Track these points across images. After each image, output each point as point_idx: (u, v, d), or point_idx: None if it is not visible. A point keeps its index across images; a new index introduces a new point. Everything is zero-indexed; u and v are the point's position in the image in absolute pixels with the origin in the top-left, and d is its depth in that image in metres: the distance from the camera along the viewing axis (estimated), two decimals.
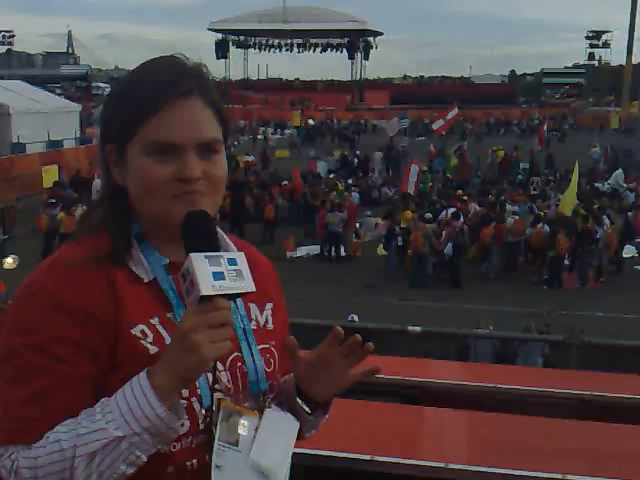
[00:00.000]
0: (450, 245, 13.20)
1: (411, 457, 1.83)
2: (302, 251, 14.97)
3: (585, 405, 2.32)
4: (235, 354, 1.05)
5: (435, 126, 25.63)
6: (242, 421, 1.01)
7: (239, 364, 1.06)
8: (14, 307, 0.98)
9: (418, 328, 4.89)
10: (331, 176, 20.67)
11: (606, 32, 65.61)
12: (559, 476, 1.72)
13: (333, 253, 14.68)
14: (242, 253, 0.97)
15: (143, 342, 0.98)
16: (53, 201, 14.70)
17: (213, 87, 1.04)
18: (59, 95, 33.30)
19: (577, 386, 2.46)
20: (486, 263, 13.51)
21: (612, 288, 12.50)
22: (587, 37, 66.16)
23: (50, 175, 18.37)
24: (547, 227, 13.37)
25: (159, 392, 0.89)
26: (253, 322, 1.11)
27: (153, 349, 0.97)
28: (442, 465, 1.78)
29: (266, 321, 1.14)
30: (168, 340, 0.98)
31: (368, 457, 1.79)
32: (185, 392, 0.96)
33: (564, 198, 14.46)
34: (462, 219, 13.79)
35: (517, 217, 14.19)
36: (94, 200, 1.12)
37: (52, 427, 0.90)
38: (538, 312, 9.70)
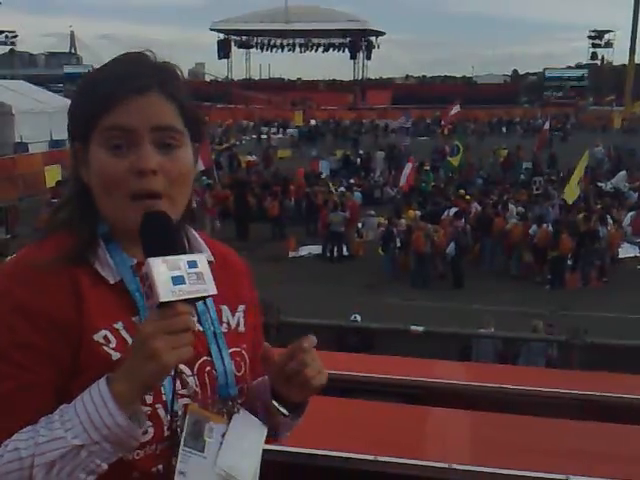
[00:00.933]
0: (452, 245, 13.20)
1: (414, 457, 1.83)
2: (304, 250, 14.97)
3: (589, 405, 2.31)
4: (204, 358, 1.03)
5: (444, 122, 25.98)
6: (209, 426, 0.99)
7: (208, 368, 1.03)
8: None
9: (421, 328, 4.88)
10: (324, 175, 20.69)
11: (608, 32, 65.50)
12: (563, 477, 1.71)
13: (335, 253, 14.68)
14: (203, 255, 0.94)
15: (105, 348, 0.95)
16: (55, 201, 14.71)
17: (177, 84, 1.02)
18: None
19: (580, 386, 2.45)
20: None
21: (615, 288, 12.48)
22: (589, 37, 66.01)
23: (53, 175, 18.38)
24: (551, 227, 13.37)
25: (119, 400, 0.87)
26: (224, 325, 1.09)
27: (116, 355, 0.95)
28: (445, 466, 1.77)
29: (237, 324, 1.12)
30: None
31: (371, 457, 1.79)
32: (149, 398, 0.94)
33: (568, 186, 14.51)
34: (464, 219, 13.79)
35: (515, 221, 14.14)
36: (61, 199, 1.08)
37: (11, 435, 0.88)
38: (541, 312, 9.69)
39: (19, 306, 0.92)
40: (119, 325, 0.97)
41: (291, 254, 14.20)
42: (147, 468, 0.96)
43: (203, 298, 0.90)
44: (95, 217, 1.01)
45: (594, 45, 65.53)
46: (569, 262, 13.40)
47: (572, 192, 14.32)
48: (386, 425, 2.06)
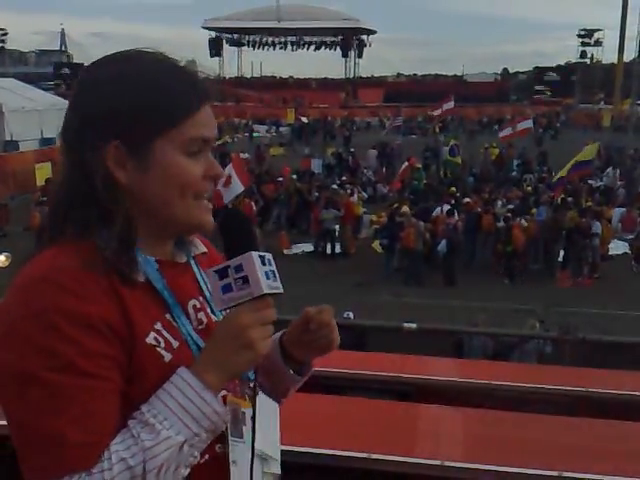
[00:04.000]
0: (444, 242, 13.23)
1: (407, 455, 1.83)
2: (297, 248, 14.96)
3: (581, 401, 2.32)
4: None
5: (436, 112, 26.14)
6: (242, 413, 1.03)
7: None
8: (15, 323, 0.88)
9: (414, 325, 4.88)
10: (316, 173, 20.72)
11: (598, 30, 65.79)
12: (555, 473, 1.72)
13: (328, 250, 14.68)
14: (270, 254, 0.98)
15: (159, 349, 0.95)
16: (46, 199, 14.64)
17: None
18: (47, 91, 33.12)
19: (572, 383, 2.46)
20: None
21: (605, 285, 12.55)
22: (579, 35, 66.27)
23: (43, 173, 18.26)
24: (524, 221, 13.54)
25: (213, 389, 0.90)
26: None
27: (168, 356, 0.95)
28: (438, 463, 1.77)
29: None
30: (175, 344, 0.96)
31: (364, 455, 1.79)
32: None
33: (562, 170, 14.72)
34: (456, 216, 13.84)
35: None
36: (75, 199, 0.97)
37: (105, 446, 0.86)
38: (532, 309, 9.73)
39: (74, 315, 0.87)
40: (159, 325, 0.97)
41: (285, 252, 14.18)
42: (197, 460, 0.97)
43: (277, 295, 0.95)
44: (131, 221, 0.97)
45: (583, 44, 65.79)
46: (560, 259, 13.51)
47: (562, 172, 14.57)
48: (379, 422, 2.06)
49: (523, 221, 13.56)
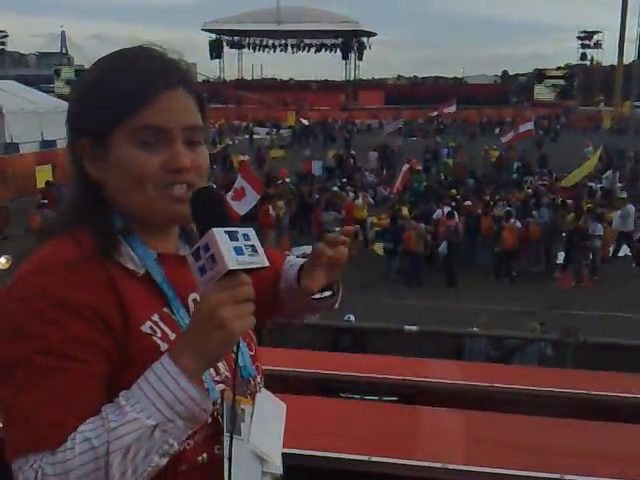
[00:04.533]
0: (445, 244, 13.24)
1: (409, 457, 1.82)
2: (298, 251, 14.96)
3: (582, 404, 2.31)
4: None
5: (439, 112, 26.37)
6: (241, 409, 1.02)
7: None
8: (8, 314, 0.91)
9: (415, 327, 4.88)
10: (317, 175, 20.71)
11: (597, 32, 65.88)
12: (557, 476, 1.71)
13: None
14: (252, 228, 0.95)
15: (154, 338, 0.96)
16: (45, 201, 14.63)
17: (196, 80, 1.07)
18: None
19: (574, 385, 2.45)
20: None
21: (606, 287, 12.54)
22: (579, 37, 66.37)
23: (43, 175, 18.28)
24: (519, 223, 13.59)
25: (189, 374, 0.87)
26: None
27: (164, 345, 0.96)
28: (439, 465, 1.76)
29: None
30: (172, 335, 0.97)
31: (365, 457, 1.78)
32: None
33: (573, 174, 14.75)
34: (457, 218, 13.85)
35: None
36: (66, 198, 1.05)
37: (75, 428, 0.86)
38: (533, 311, 9.72)
39: (61, 302, 0.90)
40: (155, 317, 0.97)
41: (286, 254, 14.19)
42: (194, 458, 0.97)
43: (258, 269, 0.91)
44: (109, 212, 1.01)
45: (583, 46, 65.92)
46: (560, 261, 13.52)
47: (573, 178, 14.59)
48: (380, 425, 2.05)
49: (518, 223, 13.60)
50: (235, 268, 0.87)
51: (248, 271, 0.90)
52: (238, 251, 0.89)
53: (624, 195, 15.34)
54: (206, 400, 0.90)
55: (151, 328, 0.96)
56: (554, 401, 2.34)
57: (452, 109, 25.32)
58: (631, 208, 14.52)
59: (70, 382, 0.88)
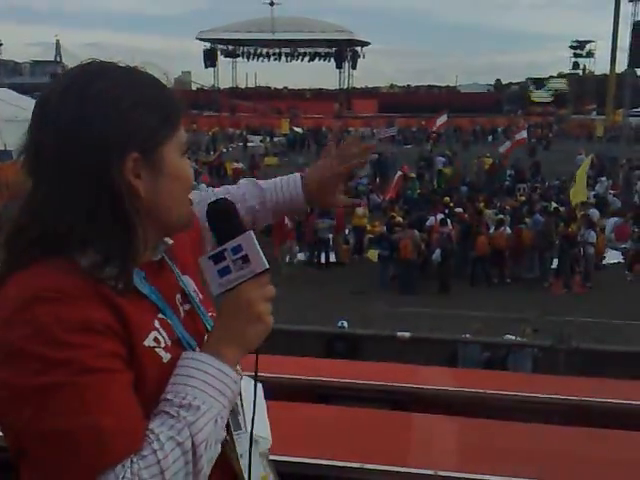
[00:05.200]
0: (438, 251, 13.28)
1: (401, 465, 1.82)
2: (293, 257, 14.94)
3: (574, 410, 2.32)
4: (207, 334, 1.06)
5: (434, 127, 26.40)
6: (236, 404, 1.04)
7: None
8: (22, 351, 0.86)
9: (407, 334, 4.88)
10: None
11: (590, 42, 66.28)
12: None
13: (322, 259, 14.67)
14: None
15: (158, 350, 0.96)
16: None
17: None
18: None
19: (566, 391, 2.46)
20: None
21: (599, 293, 12.59)
22: (571, 47, 66.75)
23: None
24: (509, 229, 13.76)
25: (231, 363, 0.95)
26: (194, 293, 1.13)
27: (166, 357, 0.96)
28: (431, 472, 1.77)
29: (199, 290, 1.15)
30: (170, 343, 0.98)
31: (357, 465, 1.78)
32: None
33: (575, 189, 14.87)
34: (450, 225, 13.90)
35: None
36: (67, 218, 0.93)
37: (145, 430, 0.87)
38: (526, 317, 9.74)
39: (73, 323, 0.87)
40: (157, 323, 0.99)
41: (279, 260, 14.17)
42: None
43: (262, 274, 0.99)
44: (137, 232, 0.95)
45: (576, 55, 66.27)
46: (554, 266, 13.59)
47: (581, 194, 14.76)
48: (372, 432, 2.05)
49: (507, 229, 13.73)
50: (266, 268, 0.97)
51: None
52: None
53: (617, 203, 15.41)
54: (240, 385, 0.98)
55: (155, 339, 0.96)
56: (547, 408, 2.35)
57: (443, 119, 25.42)
58: None
59: (118, 390, 0.88)
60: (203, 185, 18.04)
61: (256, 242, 0.97)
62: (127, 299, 0.95)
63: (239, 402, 1.07)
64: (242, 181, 1.48)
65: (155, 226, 1.00)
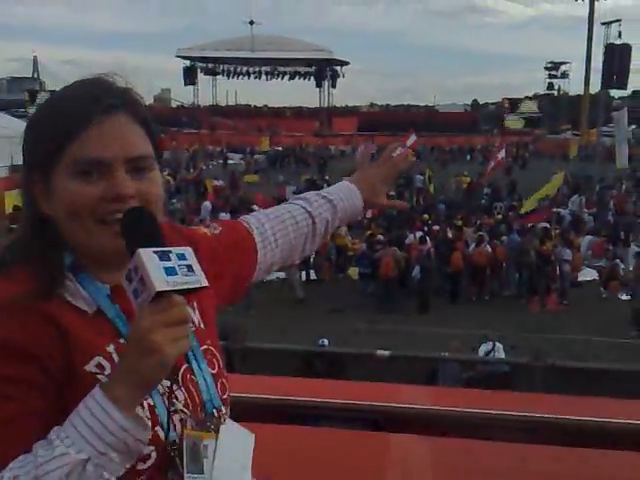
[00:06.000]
0: (418, 269, 13.34)
1: None
2: (271, 275, 14.89)
3: (551, 429, 2.32)
4: (185, 366, 1.01)
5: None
6: (204, 446, 0.98)
7: (189, 376, 1.02)
8: None
9: (387, 352, 4.88)
10: None
11: (564, 63, 67.75)
12: None
13: (303, 277, 14.65)
14: (190, 248, 0.90)
15: (100, 377, 0.91)
16: (14, 226, 14.39)
17: (141, 104, 1.01)
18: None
19: (543, 409, 2.46)
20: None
21: (575, 311, 12.73)
22: (546, 68, 68.15)
23: (12, 200, 17.97)
24: (489, 247, 13.92)
25: (120, 403, 0.83)
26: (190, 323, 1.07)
27: None
28: None
29: (199, 320, 1.08)
30: None
31: None
32: (148, 422, 0.91)
33: (529, 200, 15.06)
34: (429, 243, 14.00)
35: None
36: (18, 231, 1.00)
37: (5, 466, 0.82)
38: (503, 334, 9.79)
39: None
40: (111, 348, 0.94)
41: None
42: None
43: (195, 290, 0.87)
44: (60, 249, 0.96)
45: (551, 76, 67.62)
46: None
47: (529, 204, 14.91)
48: (352, 453, 2.03)
49: (488, 247, 13.87)
50: (165, 289, 0.82)
51: (186, 292, 0.86)
52: (170, 271, 0.84)
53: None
54: (140, 431, 0.85)
55: (98, 365, 0.92)
56: (525, 426, 2.35)
57: (412, 139, 25.65)
58: None
59: (2, 421, 0.85)
60: (207, 203, 17.93)
61: (151, 261, 0.83)
62: (83, 318, 0.93)
63: (210, 445, 0.98)
64: (310, 194, 1.43)
65: (75, 247, 0.97)
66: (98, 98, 0.94)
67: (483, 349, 8.75)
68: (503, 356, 8.70)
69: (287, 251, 1.33)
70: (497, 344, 8.75)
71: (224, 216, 17.06)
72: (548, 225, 16.07)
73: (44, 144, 0.95)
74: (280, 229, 1.30)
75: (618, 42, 29.28)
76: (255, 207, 18.48)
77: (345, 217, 1.42)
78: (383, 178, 1.49)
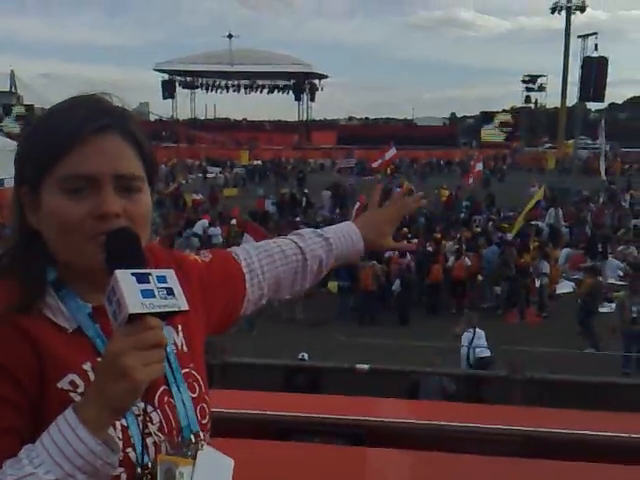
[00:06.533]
0: (398, 282, 13.39)
1: None
2: None
3: (531, 442, 2.33)
4: (162, 388, 1.00)
5: (375, 164, 26.57)
6: (179, 472, 0.96)
7: (166, 398, 1.00)
8: None
9: (366, 366, 4.87)
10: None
11: (541, 76, 68.84)
12: None
13: None
14: (172, 270, 0.89)
15: (72, 394, 0.90)
16: None
17: (134, 124, 1.00)
18: None
19: (523, 422, 2.47)
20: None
21: (553, 323, 12.84)
22: (523, 81, 69.11)
23: None
24: (467, 260, 14.10)
25: (90, 426, 0.82)
26: (172, 345, 1.05)
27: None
28: None
29: (182, 343, 1.07)
30: None
31: None
32: (119, 443, 0.90)
33: (517, 221, 15.35)
34: (409, 256, 14.05)
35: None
36: (4, 246, 1.01)
37: None
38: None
39: None
40: (87, 366, 0.93)
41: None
42: None
43: (174, 313, 0.86)
44: (43, 264, 0.96)
45: (528, 89, 68.57)
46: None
47: (518, 225, 15.18)
48: (332, 468, 2.01)
49: (467, 260, 14.01)
50: (140, 312, 0.81)
51: (165, 315, 0.85)
52: (146, 294, 0.83)
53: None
54: (110, 454, 0.84)
55: (71, 383, 0.91)
56: (507, 439, 2.35)
57: (392, 152, 25.83)
58: None
59: None
60: (204, 220, 17.84)
61: (126, 283, 0.82)
62: (61, 335, 0.93)
63: (187, 472, 0.96)
64: (305, 231, 1.42)
65: (61, 263, 0.96)
66: (91, 117, 0.94)
67: (466, 337, 9.25)
68: (484, 342, 9.24)
69: (274, 285, 1.31)
70: (478, 330, 9.08)
71: (214, 231, 17.05)
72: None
73: (34, 159, 0.96)
74: (268, 262, 1.29)
75: (595, 55, 29.79)
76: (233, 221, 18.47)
77: (342, 256, 1.40)
78: (389, 219, 1.48)
